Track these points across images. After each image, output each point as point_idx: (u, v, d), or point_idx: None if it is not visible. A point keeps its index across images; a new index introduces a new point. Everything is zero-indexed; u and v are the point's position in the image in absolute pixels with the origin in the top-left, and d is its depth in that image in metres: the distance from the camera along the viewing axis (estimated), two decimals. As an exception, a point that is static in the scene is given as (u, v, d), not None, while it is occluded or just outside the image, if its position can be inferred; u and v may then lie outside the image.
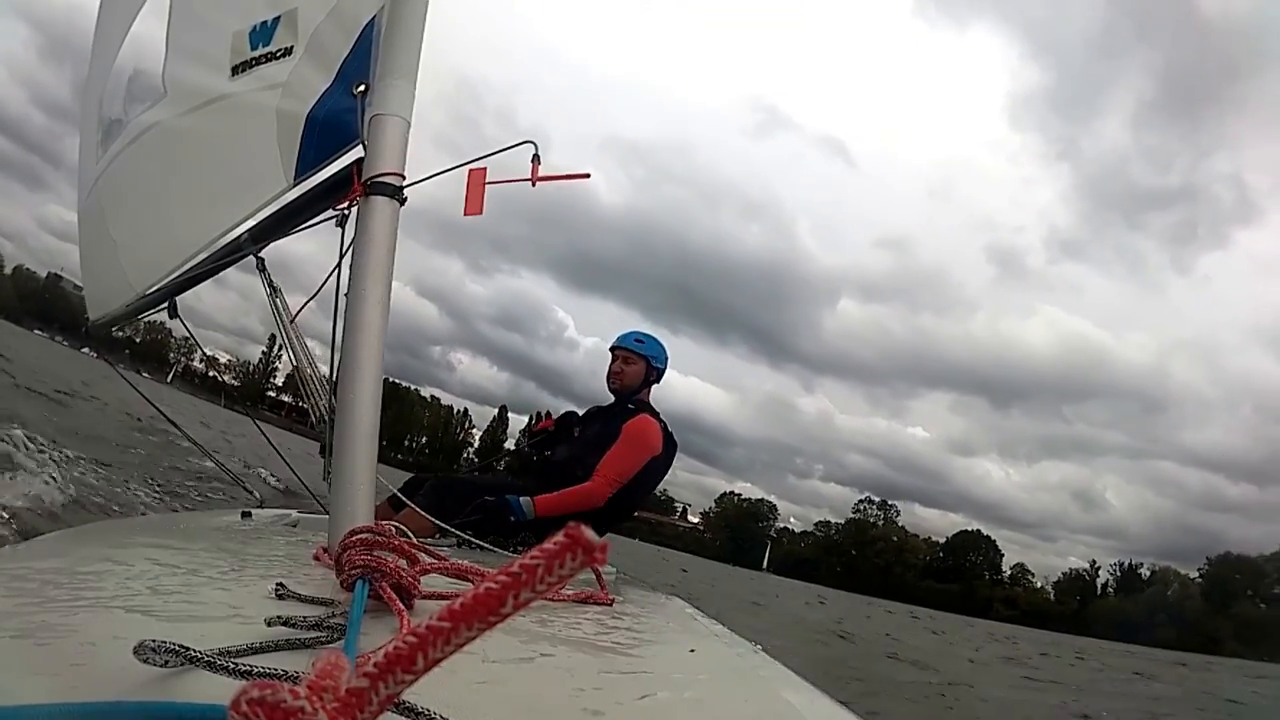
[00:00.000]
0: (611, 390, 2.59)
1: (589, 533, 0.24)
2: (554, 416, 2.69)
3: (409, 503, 1.83)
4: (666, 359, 2.65)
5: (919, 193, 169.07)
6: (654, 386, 2.63)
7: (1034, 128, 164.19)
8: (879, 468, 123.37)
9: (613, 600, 1.15)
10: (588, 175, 1.76)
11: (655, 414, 2.52)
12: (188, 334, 2.04)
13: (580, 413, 2.68)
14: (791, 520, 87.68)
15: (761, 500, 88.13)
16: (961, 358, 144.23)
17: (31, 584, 0.74)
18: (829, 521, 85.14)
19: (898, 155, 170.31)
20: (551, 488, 2.30)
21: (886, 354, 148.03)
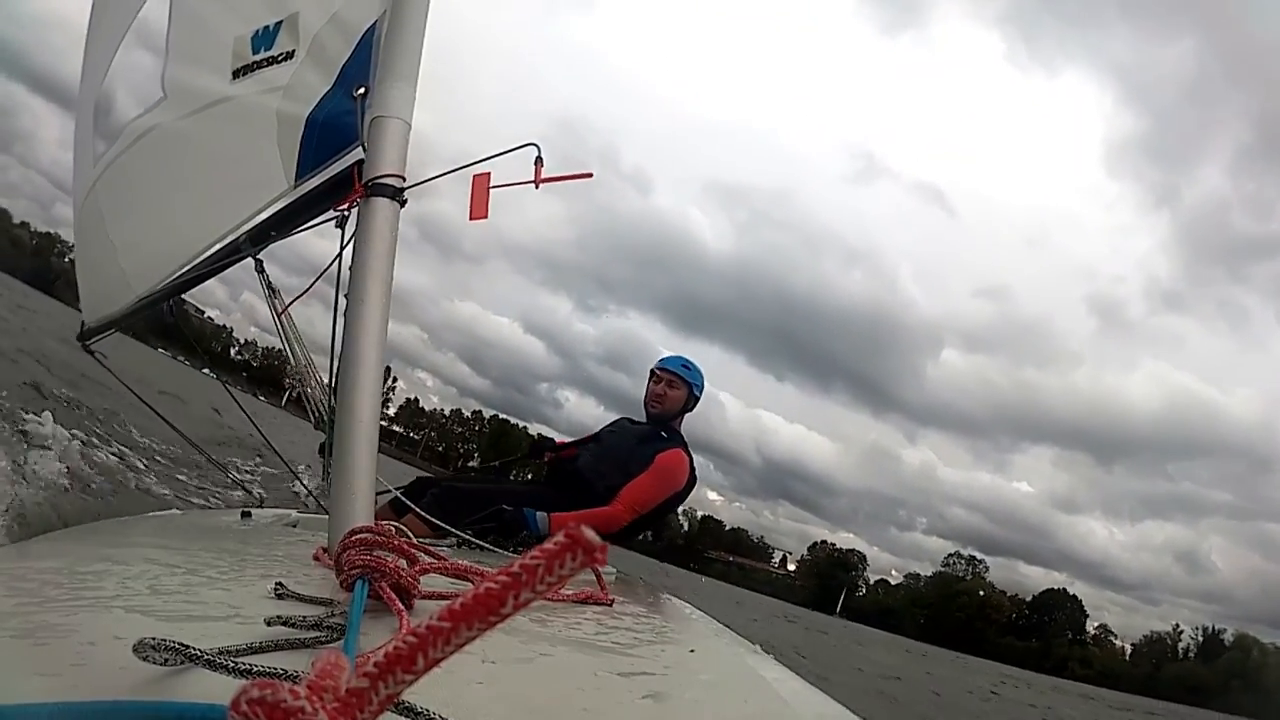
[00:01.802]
0: (650, 412, 2.55)
1: (589, 533, 0.24)
2: (571, 441, 2.69)
3: (413, 507, 1.82)
4: (703, 388, 2.63)
5: (1017, 241, 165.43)
6: (687, 415, 2.61)
7: (1130, 175, 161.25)
8: (981, 522, 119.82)
9: (613, 600, 1.15)
10: (590, 175, 1.76)
11: (686, 447, 2.50)
12: (188, 335, 2.04)
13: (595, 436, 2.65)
14: (893, 572, 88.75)
15: (852, 550, 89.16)
16: (1065, 412, 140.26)
17: (31, 584, 0.74)
18: (918, 574, 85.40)
19: (995, 203, 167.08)
20: (565, 493, 2.29)
21: (989, 406, 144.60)
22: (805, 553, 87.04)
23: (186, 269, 1.72)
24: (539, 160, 1.57)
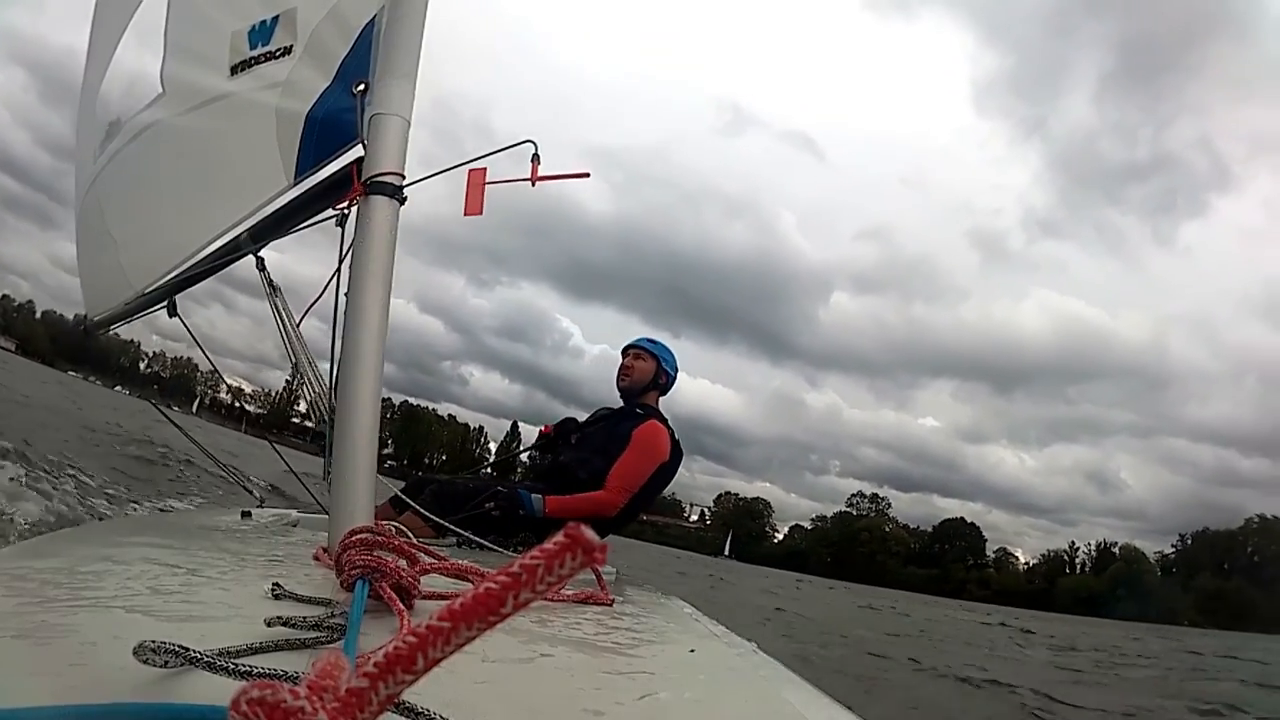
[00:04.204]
0: (621, 388, 2.57)
1: (589, 533, 0.24)
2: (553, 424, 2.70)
3: (412, 504, 1.83)
4: (676, 369, 2.64)
5: (893, 183, 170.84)
6: (663, 397, 2.61)
7: (999, 112, 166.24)
8: (893, 460, 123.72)
9: (613, 600, 1.15)
10: (587, 174, 1.76)
11: (664, 420, 2.50)
12: (194, 340, 2.03)
13: (580, 419, 2.67)
14: (813, 517, 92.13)
15: (757, 498, 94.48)
16: (959, 345, 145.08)
17: (31, 584, 0.74)
18: (824, 516, 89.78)
19: (867, 148, 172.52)
20: (556, 490, 2.29)
21: (885, 345, 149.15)
22: (712, 504, 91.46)
23: (186, 266, 1.72)
24: (535, 157, 1.56)
